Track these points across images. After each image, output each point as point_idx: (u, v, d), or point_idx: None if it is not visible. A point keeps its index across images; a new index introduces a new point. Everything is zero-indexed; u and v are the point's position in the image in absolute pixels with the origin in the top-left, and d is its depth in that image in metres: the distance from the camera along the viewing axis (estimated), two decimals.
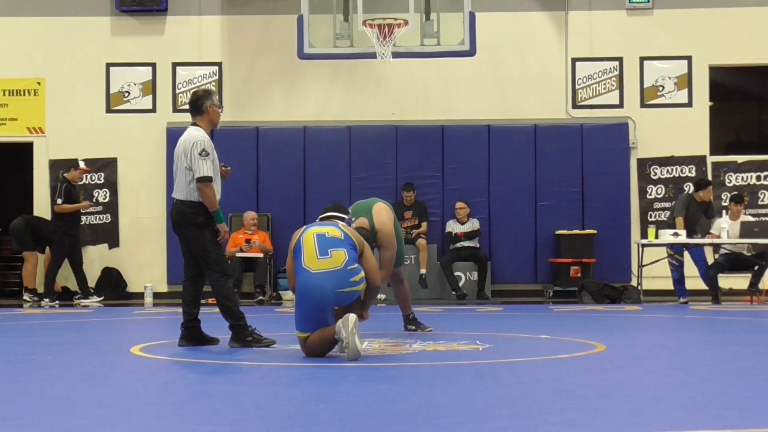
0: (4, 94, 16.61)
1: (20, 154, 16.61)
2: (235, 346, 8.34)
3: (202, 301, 8.77)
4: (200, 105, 8.59)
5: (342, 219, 8.04)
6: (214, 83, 16.57)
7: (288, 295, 15.45)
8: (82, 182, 15.77)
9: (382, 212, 9.19)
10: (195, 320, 8.54)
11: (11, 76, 16.62)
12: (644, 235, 15.73)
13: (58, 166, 16.42)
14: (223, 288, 8.43)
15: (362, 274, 7.61)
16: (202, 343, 8.51)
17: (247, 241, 15.43)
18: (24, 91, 16.62)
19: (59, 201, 15.23)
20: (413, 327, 9.86)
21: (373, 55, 13.96)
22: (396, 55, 13.99)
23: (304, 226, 7.91)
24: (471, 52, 14.19)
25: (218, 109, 8.64)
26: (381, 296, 14.67)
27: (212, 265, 8.44)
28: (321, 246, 7.52)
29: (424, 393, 5.89)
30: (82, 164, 15.54)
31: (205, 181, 8.32)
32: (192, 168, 8.36)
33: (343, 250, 7.53)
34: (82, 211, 15.58)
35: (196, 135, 8.45)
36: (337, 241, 7.59)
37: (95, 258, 16.32)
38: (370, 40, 13.77)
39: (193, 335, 8.52)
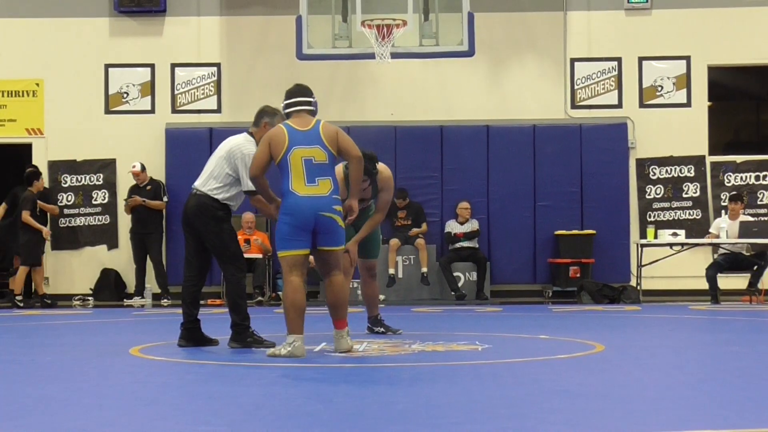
0: (2, 96, 16.60)
1: (19, 156, 16.60)
2: (235, 346, 8.33)
3: (201, 302, 8.76)
4: (258, 119, 8.53)
5: (309, 104, 7.98)
6: (213, 84, 16.57)
7: None
8: (143, 183, 15.80)
9: (383, 166, 9.45)
10: (195, 321, 8.53)
11: (10, 77, 16.61)
12: (643, 235, 15.73)
13: (56, 168, 16.43)
14: (238, 284, 8.45)
15: (341, 206, 7.86)
16: (202, 343, 8.50)
17: (246, 241, 15.42)
18: (23, 92, 16.62)
19: None
20: (382, 329, 9.63)
21: (371, 56, 13.94)
22: (395, 55, 13.96)
23: (287, 134, 7.78)
24: (470, 53, 14.17)
25: None
26: (381, 296, 14.66)
27: (230, 259, 8.43)
28: (309, 173, 7.75)
29: (424, 393, 5.89)
30: (131, 166, 15.86)
31: (254, 194, 8.33)
32: (240, 179, 8.33)
33: (329, 179, 7.79)
34: (160, 210, 15.86)
35: (249, 148, 8.35)
36: (324, 167, 7.78)
37: (94, 259, 16.31)
38: (368, 40, 13.76)
39: (192, 336, 8.51)
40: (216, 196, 8.38)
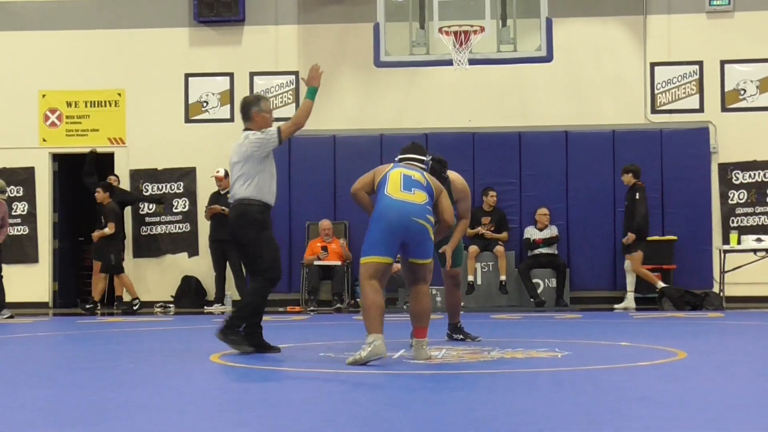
0: (85, 106, 16.90)
1: (102, 165, 16.86)
2: (219, 337, 8.37)
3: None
4: (247, 111, 8.66)
5: (421, 161, 8.32)
6: (291, 92, 16.69)
7: None
8: (225, 190, 15.96)
9: (456, 175, 9.49)
10: (257, 326, 8.55)
11: (93, 88, 16.90)
12: (726, 240, 15.50)
13: (138, 176, 16.66)
14: (261, 293, 8.47)
15: (434, 218, 7.93)
16: (263, 350, 8.49)
17: (324, 248, 15.47)
18: (105, 102, 16.89)
19: None
20: (461, 336, 9.63)
21: (449, 62, 13.92)
22: (472, 61, 13.92)
23: (392, 164, 8.19)
24: (548, 58, 14.06)
25: (266, 114, 8.63)
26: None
27: (263, 271, 8.44)
28: (406, 183, 7.93)
29: (503, 400, 5.86)
30: (215, 171, 16.00)
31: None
32: (263, 148, 8.38)
33: (424, 193, 7.93)
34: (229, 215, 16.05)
35: (253, 135, 8.48)
36: (420, 184, 7.97)
37: (175, 267, 16.50)
38: (446, 47, 13.74)
39: (254, 341, 8.50)
40: (252, 197, 8.40)
